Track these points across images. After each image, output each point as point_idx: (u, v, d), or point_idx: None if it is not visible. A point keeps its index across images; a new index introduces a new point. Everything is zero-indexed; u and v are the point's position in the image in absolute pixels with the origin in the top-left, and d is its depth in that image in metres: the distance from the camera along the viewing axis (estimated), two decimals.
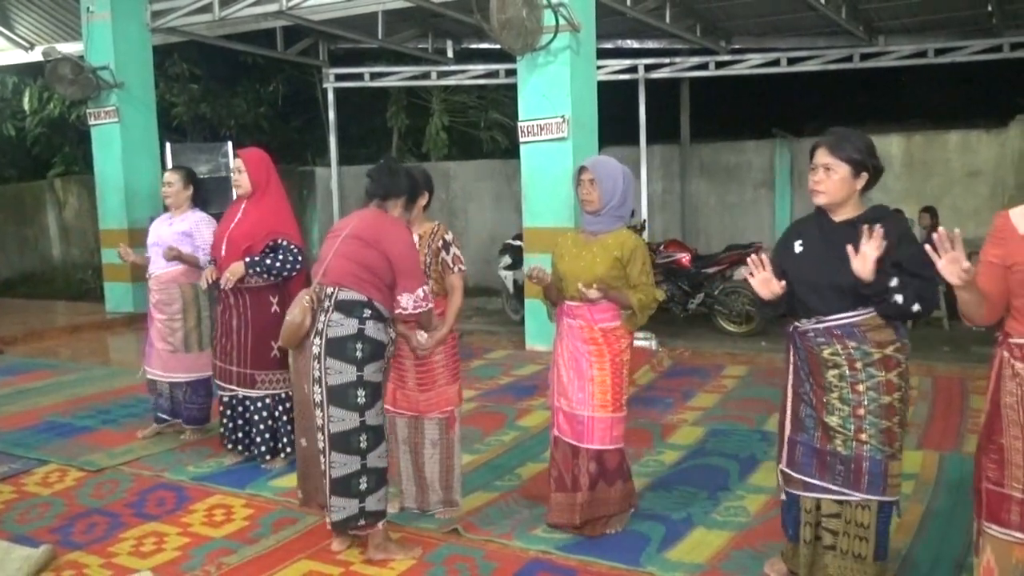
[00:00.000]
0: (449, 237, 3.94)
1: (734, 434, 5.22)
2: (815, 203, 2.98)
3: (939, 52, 10.66)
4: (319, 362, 3.43)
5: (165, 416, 5.41)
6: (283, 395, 4.75)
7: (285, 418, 4.75)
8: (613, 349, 3.63)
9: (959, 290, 2.47)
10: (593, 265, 3.58)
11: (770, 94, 14.65)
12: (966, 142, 10.90)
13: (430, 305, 3.57)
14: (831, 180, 2.90)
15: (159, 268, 5.28)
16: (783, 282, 2.92)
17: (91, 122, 10.23)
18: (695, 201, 12.38)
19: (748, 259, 3.01)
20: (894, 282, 2.77)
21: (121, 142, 9.96)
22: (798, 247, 3.00)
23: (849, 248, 2.75)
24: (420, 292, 3.51)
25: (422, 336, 3.76)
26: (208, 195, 8.51)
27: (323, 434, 3.44)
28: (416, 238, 3.91)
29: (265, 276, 4.62)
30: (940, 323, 8.49)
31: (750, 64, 11.43)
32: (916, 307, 2.80)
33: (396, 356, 3.91)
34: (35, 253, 14.78)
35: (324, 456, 3.45)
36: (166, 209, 5.45)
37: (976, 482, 2.59)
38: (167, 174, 5.45)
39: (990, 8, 9.67)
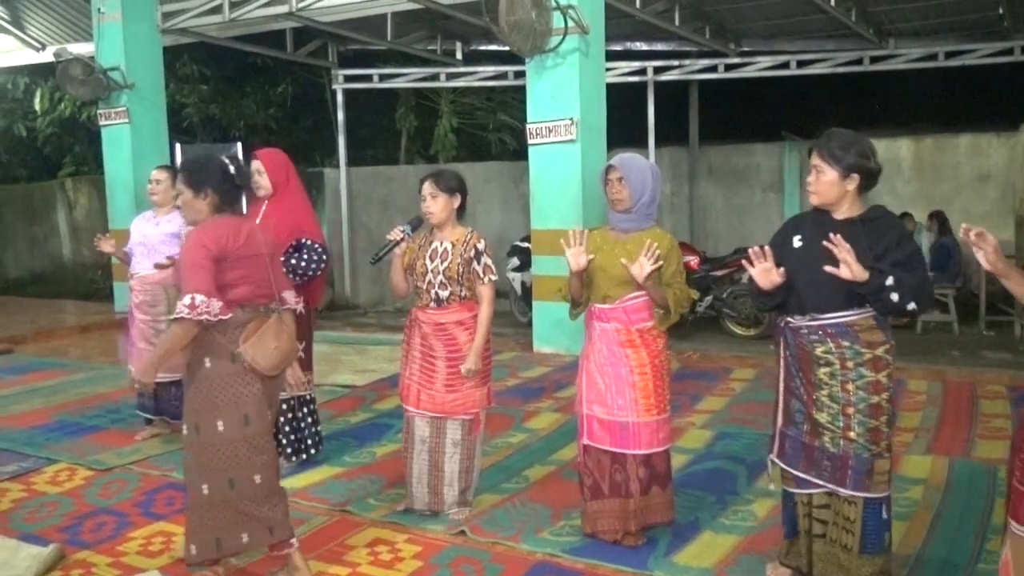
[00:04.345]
0: (481, 246, 3.89)
1: (742, 437, 5.20)
2: (811, 202, 3.06)
3: (949, 55, 10.62)
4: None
5: (150, 416, 5.40)
6: (307, 397, 4.78)
7: (310, 419, 4.79)
8: (651, 350, 3.58)
9: (1003, 281, 2.47)
10: (631, 261, 3.47)
11: (779, 97, 14.60)
12: (976, 145, 10.85)
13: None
14: (820, 181, 2.97)
15: (144, 269, 5.24)
16: (782, 268, 2.96)
17: (101, 122, 10.27)
18: (703, 203, 12.36)
19: (749, 250, 3.03)
20: (889, 280, 2.81)
21: (131, 142, 9.99)
22: (797, 242, 3.05)
23: (833, 246, 2.80)
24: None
25: (469, 361, 3.86)
26: None
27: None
28: (449, 245, 3.89)
29: (290, 276, 4.62)
30: (950, 328, 8.46)
31: (759, 67, 11.41)
32: (912, 305, 2.83)
33: (427, 355, 3.92)
34: (45, 252, 14.83)
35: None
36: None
37: (1008, 480, 2.59)
38: (155, 172, 5.37)
39: (1001, 11, 9.63)
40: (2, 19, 11.99)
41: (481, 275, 3.87)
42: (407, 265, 3.97)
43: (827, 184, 2.96)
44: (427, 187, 3.87)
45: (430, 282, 3.88)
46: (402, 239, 3.93)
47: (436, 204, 3.86)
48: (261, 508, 3.33)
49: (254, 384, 3.31)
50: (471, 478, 4.06)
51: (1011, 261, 2.53)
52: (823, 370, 2.95)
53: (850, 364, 2.91)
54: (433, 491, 4.00)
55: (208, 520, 3.29)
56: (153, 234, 5.23)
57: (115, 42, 9.90)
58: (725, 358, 7.61)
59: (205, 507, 3.29)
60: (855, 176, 2.94)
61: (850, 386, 2.92)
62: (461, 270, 3.84)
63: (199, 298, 3.14)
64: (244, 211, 3.54)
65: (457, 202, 3.91)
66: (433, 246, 3.91)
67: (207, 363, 3.26)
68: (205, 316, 3.15)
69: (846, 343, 2.91)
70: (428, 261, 3.88)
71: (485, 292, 3.89)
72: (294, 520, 4.00)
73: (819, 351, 2.95)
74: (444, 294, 3.88)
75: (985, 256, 2.43)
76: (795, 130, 12.12)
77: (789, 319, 3.04)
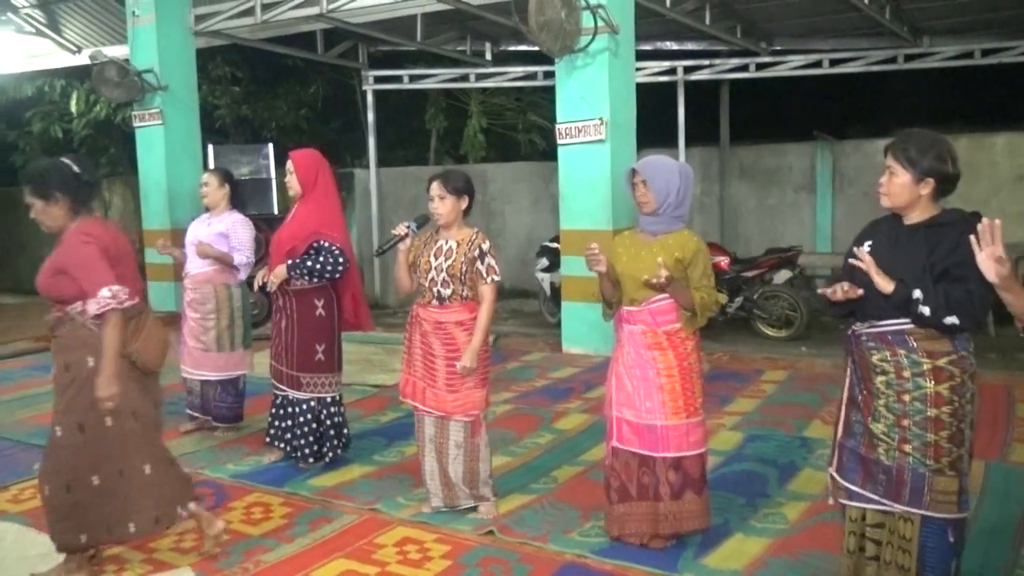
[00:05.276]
0: (486, 246, 3.94)
1: (772, 440, 5.15)
2: (882, 205, 2.92)
3: (986, 53, 10.45)
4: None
5: (195, 413, 5.52)
6: (329, 399, 4.79)
7: (329, 422, 4.79)
8: (679, 352, 3.56)
9: (999, 291, 2.41)
10: (654, 265, 3.46)
11: (811, 96, 14.46)
12: (1013, 145, 10.66)
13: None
14: (892, 183, 2.84)
15: (195, 267, 5.37)
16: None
17: (136, 124, 10.41)
18: (734, 204, 12.27)
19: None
20: (916, 293, 2.69)
21: (164, 144, 10.11)
22: (867, 248, 2.90)
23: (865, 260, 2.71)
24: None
25: (465, 359, 3.85)
26: (248, 196, 8.71)
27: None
28: (454, 244, 3.93)
29: (307, 278, 4.65)
30: (986, 329, 8.32)
31: (791, 66, 11.29)
32: (951, 319, 2.66)
33: (428, 354, 3.96)
34: None
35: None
36: (207, 210, 5.53)
37: None
38: (204, 175, 5.54)
39: None
40: (39, 23, 12.21)
41: (484, 275, 3.91)
42: (411, 262, 4.02)
43: (899, 187, 2.82)
44: (435, 188, 3.93)
45: (432, 279, 3.92)
46: (406, 234, 4.02)
47: (444, 205, 3.92)
48: (148, 497, 3.45)
49: (139, 380, 3.44)
50: (477, 479, 4.06)
51: None
52: (880, 379, 2.85)
53: (906, 374, 2.79)
54: (446, 486, 4.05)
55: (99, 508, 3.37)
56: (203, 234, 5.39)
57: (149, 45, 10.03)
58: (756, 360, 7.55)
59: (96, 496, 3.36)
60: (930, 180, 2.79)
61: (906, 397, 2.79)
62: (464, 269, 3.88)
63: (115, 287, 3.23)
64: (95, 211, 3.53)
65: (464, 203, 3.96)
66: (438, 244, 3.96)
67: (90, 362, 3.29)
68: (128, 302, 3.26)
69: (902, 351, 2.79)
70: (432, 258, 3.93)
71: (487, 292, 3.92)
72: (324, 519, 4.05)
73: (875, 359, 2.85)
74: (446, 292, 3.91)
75: (996, 272, 2.41)
76: (827, 129, 11.97)
77: (854, 327, 2.95)
